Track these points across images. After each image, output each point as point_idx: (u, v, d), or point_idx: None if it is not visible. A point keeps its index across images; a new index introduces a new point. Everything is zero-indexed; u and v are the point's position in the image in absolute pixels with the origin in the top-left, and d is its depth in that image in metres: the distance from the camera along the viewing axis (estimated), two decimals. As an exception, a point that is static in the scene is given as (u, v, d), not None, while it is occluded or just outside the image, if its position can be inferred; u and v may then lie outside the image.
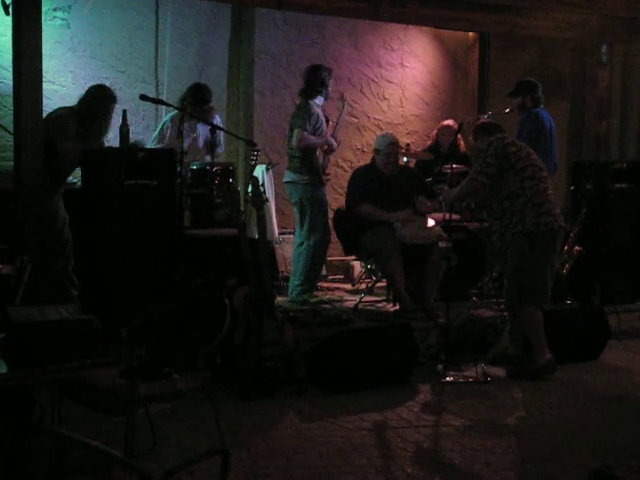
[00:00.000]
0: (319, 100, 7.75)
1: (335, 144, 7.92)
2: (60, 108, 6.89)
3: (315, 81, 7.72)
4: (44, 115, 6.42)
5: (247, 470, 4.34)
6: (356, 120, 9.63)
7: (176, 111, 7.41)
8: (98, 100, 6.74)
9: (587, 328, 6.72)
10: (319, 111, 7.70)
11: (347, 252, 8.18)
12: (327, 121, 7.99)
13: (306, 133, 7.52)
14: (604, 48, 9.83)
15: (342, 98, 8.35)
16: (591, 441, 4.90)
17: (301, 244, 7.76)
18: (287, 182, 7.78)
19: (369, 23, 9.54)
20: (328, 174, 7.99)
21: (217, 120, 7.64)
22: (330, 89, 7.82)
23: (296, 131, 7.57)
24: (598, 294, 7.92)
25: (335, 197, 9.32)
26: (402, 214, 7.36)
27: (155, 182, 6.13)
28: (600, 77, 10.04)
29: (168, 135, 7.50)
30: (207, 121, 7.23)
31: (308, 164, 7.60)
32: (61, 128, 6.54)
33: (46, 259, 6.09)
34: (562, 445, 4.84)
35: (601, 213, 8.08)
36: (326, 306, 7.66)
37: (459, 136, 8.09)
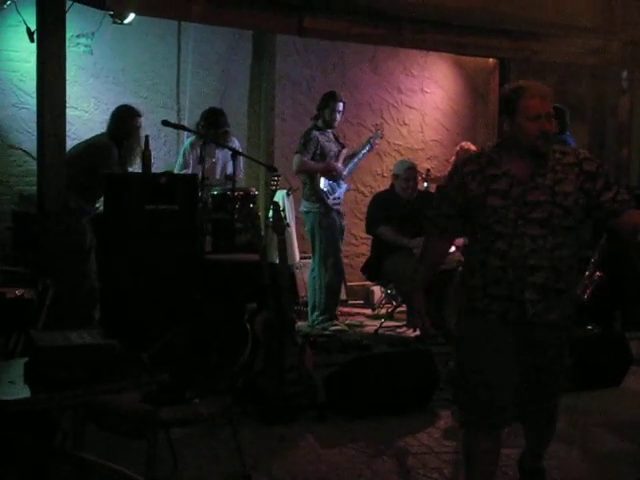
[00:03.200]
0: (324, 128, 7.83)
1: (340, 169, 7.92)
2: (98, 136, 7.02)
3: (320, 108, 7.84)
4: (69, 142, 6.49)
5: (268, 495, 4.34)
6: (376, 145, 9.64)
7: (195, 137, 7.49)
8: (124, 117, 6.87)
9: (608, 354, 6.67)
10: (322, 138, 7.77)
11: (370, 279, 8.22)
12: (342, 147, 8.04)
13: (305, 159, 7.62)
14: (624, 74, 9.83)
15: (376, 128, 8.49)
16: (612, 468, 4.87)
17: (313, 270, 7.83)
18: (302, 211, 7.90)
19: (389, 49, 9.57)
20: (337, 199, 7.97)
21: (236, 144, 7.69)
22: (337, 115, 7.87)
23: (295, 156, 7.72)
24: (619, 320, 7.87)
25: (355, 222, 9.33)
26: (420, 242, 7.38)
27: (176, 207, 6.17)
28: (620, 103, 10.05)
29: (191, 161, 7.56)
30: (226, 145, 7.28)
31: (315, 191, 7.70)
32: (107, 156, 6.68)
33: (71, 283, 6.13)
34: (583, 472, 4.81)
35: (622, 239, 8.03)
36: (346, 330, 7.68)
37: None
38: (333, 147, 7.91)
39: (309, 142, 7.72)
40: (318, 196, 7.75)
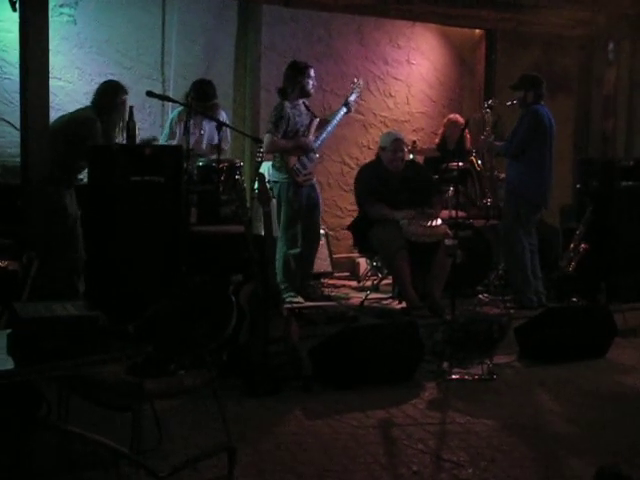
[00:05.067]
0: (296, 100, 7.73)
1: (311, 145, 7.82)
2: (81, 109, 6.96)
3: (288, 80, 7.71)
4: (53, 112, 6.45)
5: (253, 466, 4.35)
6: (362, 117, 9.62)
7: (182, 107, 7.43)
8: (110, 93, 6.82)
9: (593, 326, 6.71)
10: (293, 112, 7.64)
11: (359, 250, 8.20)
12: (314, 117, 7.92)
13: (275, 138, 7.50)
14: (611, 46, 9.81)
15: (353, 84, 8.30)
16: (597, 439, 4.90)
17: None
18: (270, 180, 7.74)
19: (375, 20, 9.53)
20: (308, 174, 7.88)
21: (223, 116, 7.63)
22: (310, 87, 7.76)
23: (265, 136, 7.60)
24: (604, 292, 7.91)
25: (341, 194, 9.34)
26: (407, 214, 7.37)
27: (162, 179, 6.13)
28: (606, 75, 10.03)
29: (178, 132, 7.51)
30: (213, 117, 7.23)
31: (284, 164, 7.61)
32: (91, 129, 6.62)
33: (55, 255, 6.11)
34: (568, 443, 4.84)
35: (607, 211, 8.08)
36: (332, 303, 7.67)
37: (465, 132, 8.13)
38: (303, 120, 7.79)
39: (281, 120, 7.56)
40: (289, 174, 7.66)
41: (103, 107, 6.79)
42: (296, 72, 7.69)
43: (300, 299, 7.67)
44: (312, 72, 7.76)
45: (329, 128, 8.01)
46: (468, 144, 8.79)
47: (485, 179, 8.48)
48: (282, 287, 7.57)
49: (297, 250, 7.75)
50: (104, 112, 6.76)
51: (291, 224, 7.71)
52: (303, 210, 7.71)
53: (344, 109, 8.13)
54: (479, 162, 8.52)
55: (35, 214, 6.12)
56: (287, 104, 7.63)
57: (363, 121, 9.69)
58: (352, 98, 8.20)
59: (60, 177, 6.52)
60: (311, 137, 7.82)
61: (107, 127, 6.77)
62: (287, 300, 7.37)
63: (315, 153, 7.83)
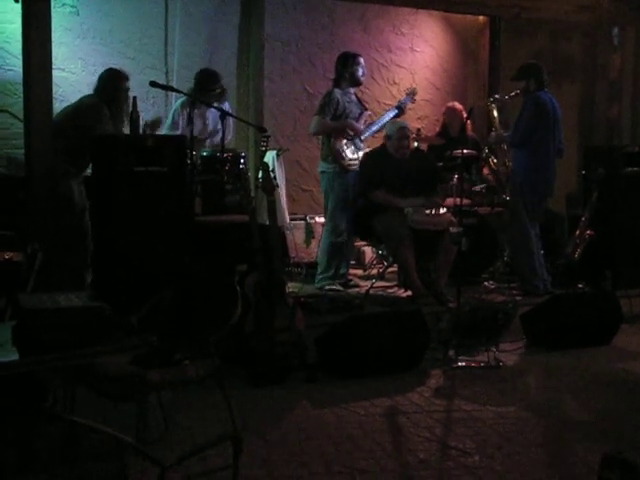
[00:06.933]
0: (347, 88, 7.79)
1: (359, 128, 7.86)
2: (85, 97, 6.94)
3: (338, 70, 7.80)
4: (56, 103, 6.43)
5: (258, 456, 4.35)
6: (366, 105, 9.59)
7: (186, 97, 7.42)
8: (111, 81, 6.79)
9: (599, 313, 6.70)
10: (344, 98, 7.72)
11: (361, 237, 8.21)
12: (365, 109, 8.01)
13: (323, 119, 7.59)
14: (615, 31, 9.79)
15: (408, 92, 8.45)
16: (603, 426, 4.89)
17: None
18: (319, 171, 7.92)
19: (379, 7, 9.50)
20: (354, 159, 7.88)
21: (226, 106, 7.63)
22: (360, 74, 7.82)
23: (313, 118, 7.73)
24: (610, 279, 7.90)
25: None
26: (414, 201, 7.37)
27: (165, 169, 6.11)
28: (611, 61, 10.01)
29: (181, 122, 7.50)
30: (215, 107, 7.21)
31: (331, 151, 7.66)
32: (100, 115, 6.60)
33: (62, 247, 6.11)
34: (574, 430, 4.83)
35: (612, 197, 8.06)
36: (338, 291, 7.67)
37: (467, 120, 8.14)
38: (354, 108, 7.85)
39: (329, 103, 7.66)
40: (334, 156, 7.71)
41: (106, 96, 6.76)
42: (345, 61, 7.78)
43: (339, 287, 7.73)
44: (362, 60, 7.86)
45: (379, 123, 8.16)
46: (469, 131, 8.79)
47: (501, 174, 8.46)
48: (321, 275, 7.66)
49: (341, 239, 7.81)
50: (108, 101, 6.75)
51: (336, 213, 7.75)
52: (349, 199, 7.77)
53: (395, 110, 8.23)
54: (494, 160, 8.48)
55: (39, 206, 6.11)
56: (337, 90, 7.76)
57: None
58: (405, 101, 8.32)
59: (67, 168, 6.51)
60: (361, 125, 7.89)
61: (115, 116, 6.76)
62: (326, 288, 7.65)
63: (362, 141, 7.90)
